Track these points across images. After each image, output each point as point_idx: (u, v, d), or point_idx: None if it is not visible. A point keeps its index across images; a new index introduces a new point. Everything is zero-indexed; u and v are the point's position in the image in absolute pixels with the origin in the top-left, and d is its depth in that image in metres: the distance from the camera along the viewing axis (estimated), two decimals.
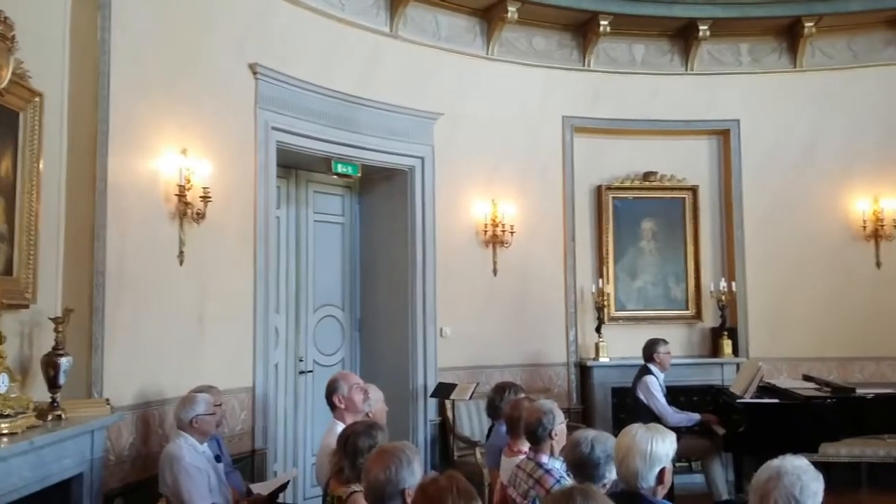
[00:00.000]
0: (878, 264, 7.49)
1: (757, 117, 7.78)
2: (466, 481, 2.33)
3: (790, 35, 7.67)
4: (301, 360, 6.65)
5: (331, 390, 4.23)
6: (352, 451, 3.18)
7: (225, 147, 5.33)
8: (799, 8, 7.38)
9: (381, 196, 7.20)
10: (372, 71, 6.63)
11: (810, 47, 7.66)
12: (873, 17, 7.44)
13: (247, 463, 5.38)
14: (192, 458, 3.99)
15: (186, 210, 4.85)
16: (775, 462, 2.37)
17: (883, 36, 7.59)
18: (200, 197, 4.90)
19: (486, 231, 7.22)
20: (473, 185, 7.24)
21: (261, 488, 4.71)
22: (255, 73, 5.63)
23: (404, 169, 6.95)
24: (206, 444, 4.19)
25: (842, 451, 6.68)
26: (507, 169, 7.40)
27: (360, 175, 6.77)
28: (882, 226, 7.43)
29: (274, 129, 5.77)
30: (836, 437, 5.87)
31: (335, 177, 6.70)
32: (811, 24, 7.40)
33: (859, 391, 5.97)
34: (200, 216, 4.93)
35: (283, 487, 4.77)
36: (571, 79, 7.70)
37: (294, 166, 6.62)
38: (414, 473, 2.64)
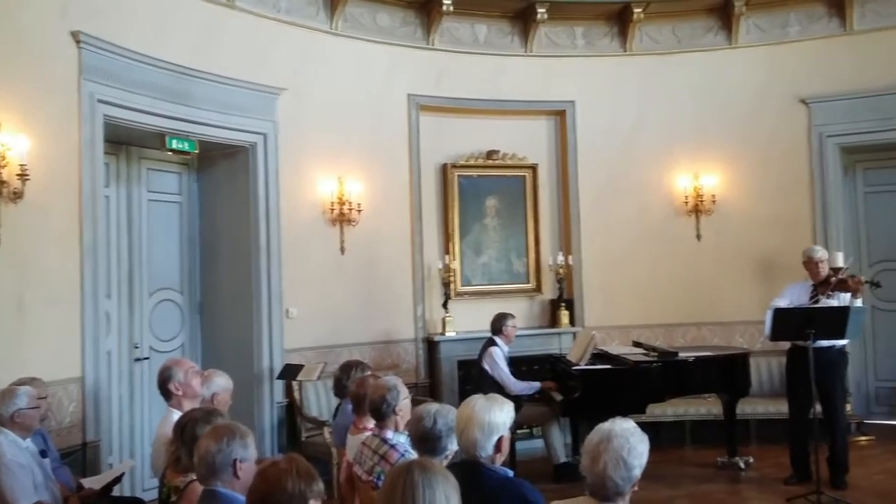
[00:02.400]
0: (699, 237, 8.09)
1: (591, 98, 8.15)
2: (307, 462, 2.31)
3: (621, 20, 8.07)
4: (136, 347, 6.32)
5: (165, 378, 4.06)
6: (189, 439, 3.06)
7: (45, 122, 4.96)
8: None
9: (222, 174, 6.93)
10: (209, 42, 6.34)
11: (639, 32, 8.10)
12: (696, 4, 7.96)
13: (78, 456, 5.08)
14: (13, 454, 3.76)
15: (2, 189, 4.51)
16: (605, 425, 2.52)
17: (704, 23, 8.12)
18: (17, 175, 4.59)
19: (332, 209, 7.14)
20: (319, 163, 7.13)
21: (93, 482, 4.46)
22: (78, 42, 5.23)
23: (245, 145, 6.72)
24: (29, 440, 3.96)
25: (668, 410, 7.23)
26: (354, 146, 7.35)
27: (197, 152, 6.47)
28: (702, 201, 8.01)
29: (101, 101, 5.40)
30: (661, 398, 6.30)
31: (170, 153, 6.36)
32: (639, 9, 7.82)
33: (682, 355, 6.44)
34: (18, 195, 4.61)
35: (117, 480, 4.54)
36: (416, 57, 7.74)
37: (125, 142, 6.24)
38: (247, 447, 2.65)
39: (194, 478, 2.95)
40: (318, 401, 6.77)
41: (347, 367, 4.70)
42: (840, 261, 6.62)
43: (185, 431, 3.11)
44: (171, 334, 6.70)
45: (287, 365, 6.57)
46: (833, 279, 5.95)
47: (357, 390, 4.03)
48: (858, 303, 5.89)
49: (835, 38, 7.78)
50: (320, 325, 7.02)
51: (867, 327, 7.60)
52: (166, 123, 6.00)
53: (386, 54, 7.56)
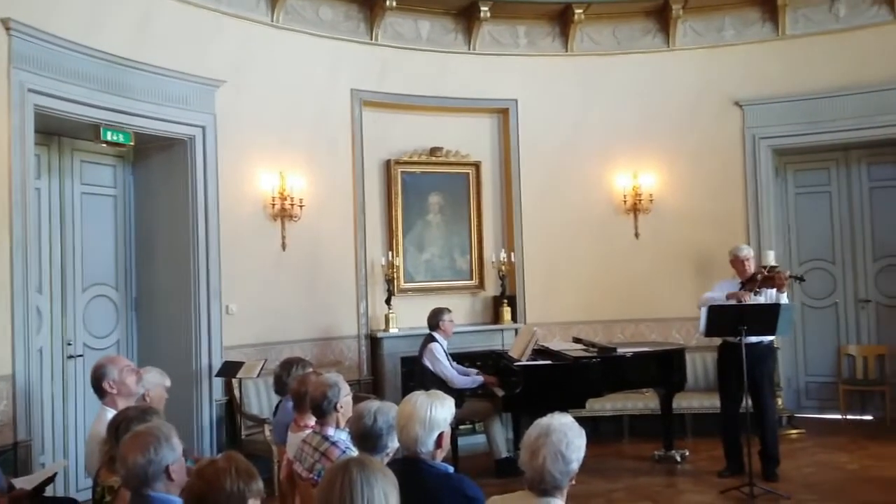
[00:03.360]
0: (637, 235, 8.25)
1: (533, 97, 8.24)
2: (246, 461, 2.28)
3: (562, 20, 8.16)
4: (70, 344, 6.13)
5: (99, 376, 3.95)
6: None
7: None
8: None
9: (159, 167, 6.77)
10: (146, 32, 6.18)
11: (580, 33, 8.21)
12: (635, 7, 8.11)
13: (9, 456, 4.92)
14: None
15: None
16: (544, 420, 2.56)
17: (643, 25, 8.28)
18: None
19: (274, 204, 7.05)
20: (260, 157, 7.03)
21: (24, 482, 4.31)
22: (7, 29, 5.06)
23: (184, 138, 6.58)
24: None
25: (607, 405, 7.38)
26: (296, 141, 7.27)
27: (133, 144, 6.30)
28: (640, 200, 8.17)
29: (31, 91, 5.23)
30: (600, 392, 6.42)
31: (105, 145, 6.19)
32: (580, 10, 7.93)
33: (620, 350, 6.57)
34: None
35: (49, 480, 4.39)
36: (359, 52, 7.69)
37: (57, 133, 6.05)
38: (174, 449, 2.59)
39: None
40: (259, 398, 6.69)
41: (288, 364, 4.65)
42: (771, 259, 6.87)
43: (120, 430, 3.03)
44: (106, 331, 6.53)
45: (226, 362, 6.47)
46: (759, 276, 6.15)
47: (298, 387, 4.00)
48: (784, 298, 6.10)
49: (768, 42, 8.02)
50: (261, 321, 6.93)
51: (798, 324, 7.87)
52: (101, 114, 5.83)
53: (329, 48, 7.50)
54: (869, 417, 8.02)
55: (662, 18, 8.15)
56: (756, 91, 8.03)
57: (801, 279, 6.39)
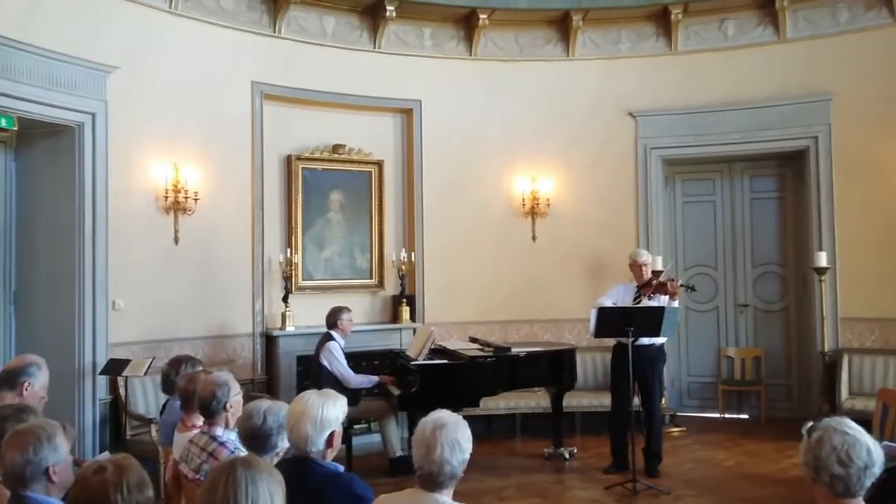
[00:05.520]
0: (534, 238, 8.46)
1: (437, 99, 8.31)
2: (139, 469, 2.18)
3: (467, 25, 8.27)
4: None
5: None
6: None
7: None
8: (475, 0, 7.98)
9: (45, 154, 6.44)
10: (34, 12, 5.89)
11: (484, 38, 8.34)
12: (537, 15, 8.30)
13: None
14: None
15: None
16: (433, 415, 2.60)
17: (545, 34, 8.49)
18: None
19: (166, 197, 6.82)
20: (153, 148, 6.79)
21: None
22: None
23: (72, 125, 6.29)
24: None
25: (500, 404, 7.51)
26: (192, 132, 7.06)
27: (17, 129, 5.97)
28: (538, 204, 8.38)
29: None
30: (495, 391, 6.54)
31: None
32: (485, 16, 8.06)
33: (515, 350, 6.71)
34: None
35: None
36: (262, 44, 7.55)
37: None
38: (57, 449, 2.50)
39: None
40: (146, 397, 6.46)
41: (177, 362, 4.51)
42: (660, 264, 7.19)
43: None
44: None
45: (112, 360, 6.22)
46: (654, 282, 6.43)
47: (186, 386, 3.88)
48: (675, 304, 6.40)
49: (661, 56, 8.37)
50: (150, 317, 6.70)
51: (682, 326, 8.25)
52: None
53: (229, 39, 7.33)
54: (745, 416, 8.51)
55: (564, 28, 8.38)
56: (649, 103, 8.37)
57: (692, 288, 6.72)
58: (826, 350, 7.60)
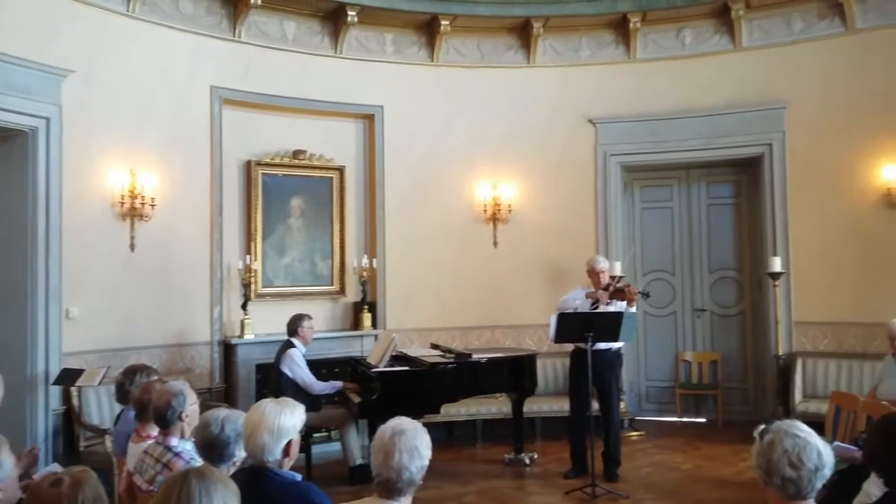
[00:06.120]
0: (496, 244, 8.49)
1: (399, 105, 8.30)
2: (97, 484, 2.12)
3: (429, 31, 8.29)
4: None
5: None
6: None
7: None
8: (436, 6, 8.01)
9: None
10: None
11: (446, 44, 8.36)
12: (499, 22, 8.35)
13: None
14: None
15: None
16: (392, 422, 2.60)
17: (506, 41, 8.55)
18: None
19: (123, 203, 6.70)
20: (110, 153, 6.67)
21: None
22: None
23: (25, 129, 6.15)
24: None
25: (461, 410, 7.51)
26: (149, 137, 6.96)
27: None
28: (499, 210, 8.42)
29: None
30: (456, 397, 6.53)
31: None
32: (447, 22, 8.09)
33: (476, 356, 6.71)
34: None
35: None
36: (221, 49, 7.48)
37: None
38: (1, 465, 2.43)
39: None
40: (100, 408, 6.33)
41: (131, 372, 4.44)
42: (618, 270, 7.26)
43: None
44: None
45: (65, 369, 6.09)
46: (611, 288, 6.50)
47: (141, 396, 3.82)
48: (633, 310, 6.47)
49: (620, 64, 8.48)
50: (105, 326, 6.57)
51: (640, 332, 8.34)
52: None
53: (188, 43, 7.24)
54: (702, 420, 8.62)
55: (524, 35, 8.44)
56: (608, 110, 8.47)
57: (647, 295, 6.80)
58: (780, 354, 7.75)
